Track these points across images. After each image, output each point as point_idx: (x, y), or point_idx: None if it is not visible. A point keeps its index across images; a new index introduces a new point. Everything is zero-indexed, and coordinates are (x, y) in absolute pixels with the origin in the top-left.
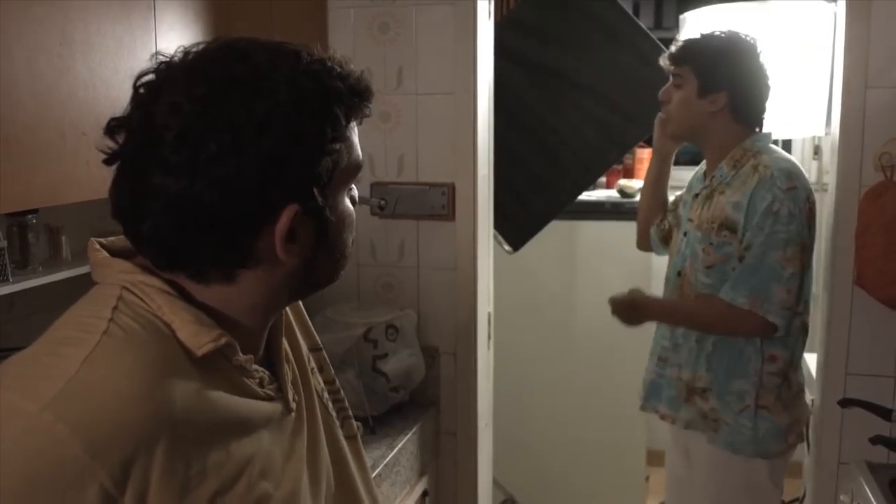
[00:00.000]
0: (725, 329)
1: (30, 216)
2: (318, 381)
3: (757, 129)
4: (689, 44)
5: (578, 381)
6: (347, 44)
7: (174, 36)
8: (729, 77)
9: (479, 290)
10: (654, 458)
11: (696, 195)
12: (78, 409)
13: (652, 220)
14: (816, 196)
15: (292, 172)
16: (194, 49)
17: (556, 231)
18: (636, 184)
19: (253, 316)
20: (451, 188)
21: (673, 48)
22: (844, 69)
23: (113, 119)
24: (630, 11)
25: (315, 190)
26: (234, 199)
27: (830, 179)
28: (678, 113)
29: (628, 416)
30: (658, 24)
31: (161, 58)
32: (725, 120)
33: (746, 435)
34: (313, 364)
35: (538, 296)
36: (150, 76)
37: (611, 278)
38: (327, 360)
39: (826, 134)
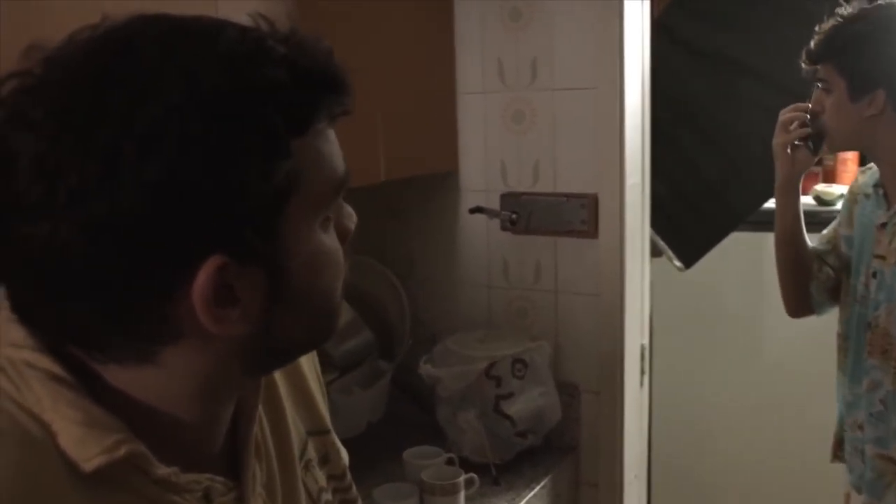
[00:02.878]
0: None
1: None
2: (314, 479)
3: None
4: (828, 35)
5: (763, 424)
6: (475, 34)
7: None
8: (883, 70)
9: (628, 319)
10: None
11: (883, 225)
12: None
13: (803, 277)
14: None
15: (201, 209)
16: (80, 37)
17: (737, 244)
18: (837, 189)
19: (192, 407)
20: (594, 199)
21: (812, 42)
22: None
23: None
24: None
25: (247, 230)
26: (112, 253)
27: None
28: (834, 123)
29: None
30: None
31: (41, 52)
32: (893, 124)
33: None
34: (312, 454)
35: (715, 321)
36: (16, 80)
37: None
38: (336, 444)
39: None
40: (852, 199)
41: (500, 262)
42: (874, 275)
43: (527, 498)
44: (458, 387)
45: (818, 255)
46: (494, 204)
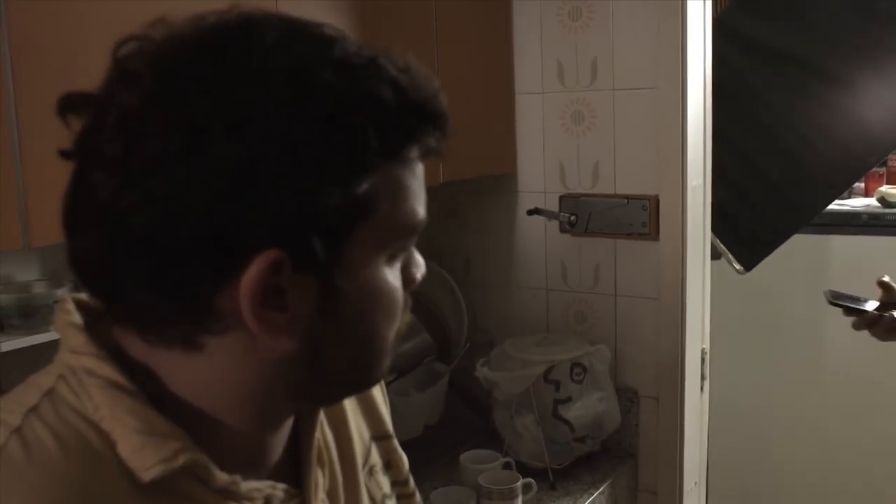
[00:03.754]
0: None
1: None
2: (378, 485)
3: None
4: None
5: (824, 434)
6: (534, 34)
7: None
8: None
9: (689, 323)
10: None
11: None
12: None
13: None
14: None
15: (273, 200)
16: (210, 16)
17: (799, 247)
18: None
19: (241, 414)
20: (655, 201)
21: None
22: None
23: (69, 94)
24: None
25: (312, 235)
26: (174, 228)
27: None
28: None
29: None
30: None
31: (166, 26)
32: None
33: None
34: (376, 460)
35: (777, 326)
36: (135, 44)
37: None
38: (398, 450)
39: None
40: None
41: (559, 264)
42: None
43: (586, 503)
44: (515, 391)
45: None
46: (553, 206)
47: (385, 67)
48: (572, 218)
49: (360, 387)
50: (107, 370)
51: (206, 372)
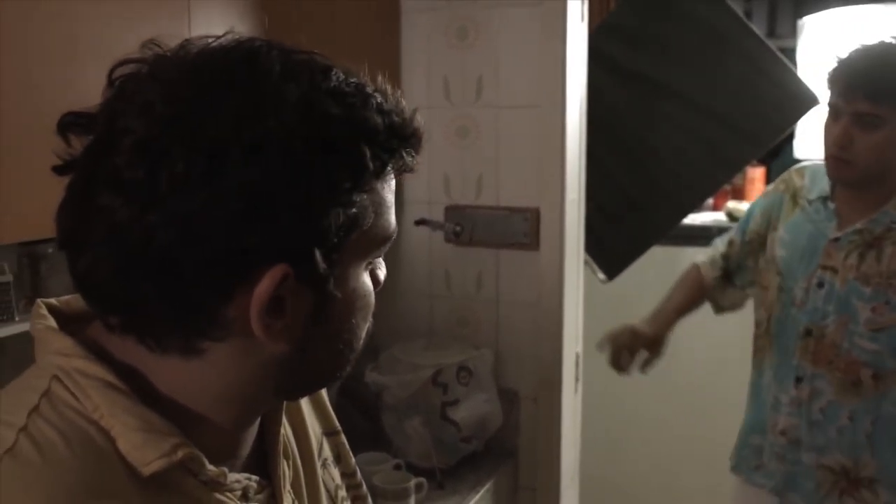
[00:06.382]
0: None
1: (43, 246)
2: (331, 476)
3: None
4: (888, 72)
5: (679, 429)
6: (421, 52)
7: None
8: None
9: (566, 328)
10: None
11: (836, 239)
12: None
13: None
14: None
15: (285, 220)
16: (200, 42)
17: (656, 258)
18: (747, 206)
19: (227, 411)
20: (536, 213)
21: (857, 74)
22: None
23: (70, 114)
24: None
25: (317, 251)
26: (194, 245)
27: None
28: (874, 156)
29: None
30: (772, 33)
31: (154, 48)
32: None
33: None
34: (328, 454)
35: None
36: (132, 66)
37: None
38: (346, 445)
39: None
40: (793, 200)
41: (443, 272)
42: (820, 284)
43: (472, 501)
44: (405, 394)
45: (719, 258)
46: (438, 216)
47: (370, 94)
48: (457, 228)
49: (334, 380)
50: (99, 371)
51: (201, 374)
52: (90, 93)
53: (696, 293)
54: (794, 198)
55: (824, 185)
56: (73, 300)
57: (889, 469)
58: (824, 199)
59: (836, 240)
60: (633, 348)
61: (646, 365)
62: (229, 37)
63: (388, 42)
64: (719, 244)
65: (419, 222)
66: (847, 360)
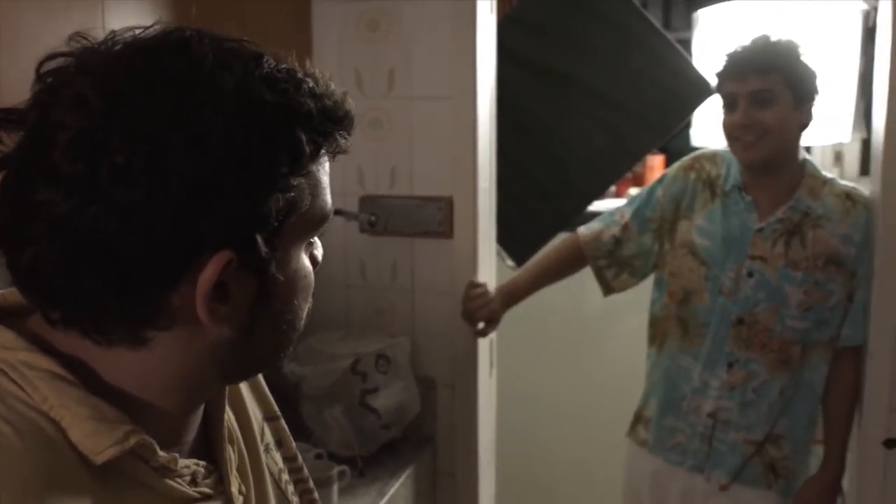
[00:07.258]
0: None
1: None
2: (274, 461)
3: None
4: (771, 47)
5: (591, 409)
6: (333, 44)
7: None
8: (814, 83)
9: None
10: None
11: (760, 230)
12: None
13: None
14: None
15: (227, 207)
16: (126, 34)
17: None
18: None
19: (173, 397)
20: (449, 202)
21: (745, 55)
22: (893, 70)
23: (2, 110)
24: None
25: (258, 236)
26: (138, 235)
27: (877, 189)
28: (774, 131)
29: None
30: (667, 25)
31: (81, 40)
32: (799, 138)
33: (805, 476)
34: (269, 438)
35: (545, 315)
36: (60, 60)
37: (624, 293)
38: (286, 429)
39: (864, 139)
40: (709, 189)
41: (358, 262)
42: (749, 274)
43: (394, 487)
44: (324, 384)
45: (609, 265)
46: (352, 206)
47: (302, 79)
48: (372, 218)
49: (278, 360)
50: (45, 362)
51: (147, 363)
52: (8, 87)
53: (566, 268)
54: (711, 186)
55: (737, 173)
56: (9, 294)
57: (797, 425)
58: (739, 189)
59: (760, 230)
60: (477, 314)
61: (479, 335)
62: (157, 27)
63: (300, 34)
64: (606, 227)
65: (334, 213)
66: (780, 340)
